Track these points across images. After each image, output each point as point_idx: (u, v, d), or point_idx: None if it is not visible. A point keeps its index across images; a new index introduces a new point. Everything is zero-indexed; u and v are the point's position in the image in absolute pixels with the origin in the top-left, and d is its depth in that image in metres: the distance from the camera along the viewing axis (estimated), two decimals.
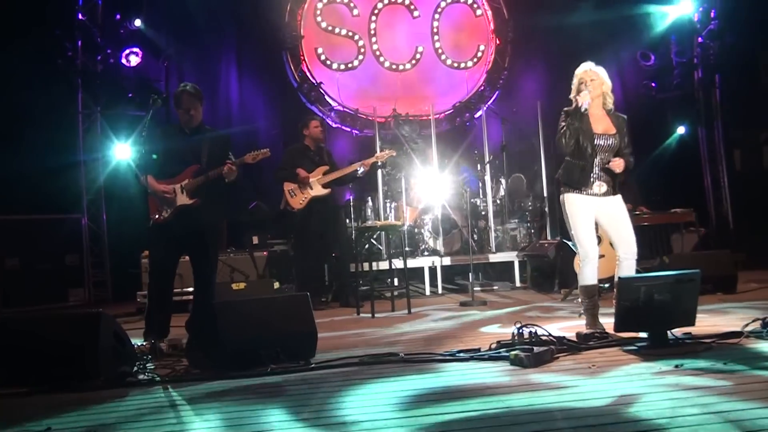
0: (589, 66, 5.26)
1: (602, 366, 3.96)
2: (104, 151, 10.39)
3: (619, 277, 4.50)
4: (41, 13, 9.57)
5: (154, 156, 5.64)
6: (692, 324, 4.50)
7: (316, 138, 8.36)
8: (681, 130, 11.95)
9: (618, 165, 5.09)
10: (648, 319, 4.35)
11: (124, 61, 10.10)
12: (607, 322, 4.86)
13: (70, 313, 5.76)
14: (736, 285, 7.28)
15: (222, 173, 5.59)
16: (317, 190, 8.13)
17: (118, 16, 10.12)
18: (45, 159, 9.40)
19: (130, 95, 10.19)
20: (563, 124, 5.17)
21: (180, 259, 5.89)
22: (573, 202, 5.19)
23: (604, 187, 5.16)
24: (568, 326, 5.52)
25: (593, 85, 5.15)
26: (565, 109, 5.25)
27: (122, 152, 9.92)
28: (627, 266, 5.14)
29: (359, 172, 8.19)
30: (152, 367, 4.71)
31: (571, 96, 5.26)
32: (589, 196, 5.16)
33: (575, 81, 5.26)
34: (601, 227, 5.35)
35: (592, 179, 5.14)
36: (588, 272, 5.15)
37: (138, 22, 10.10)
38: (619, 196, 5.25)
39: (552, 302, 7.52)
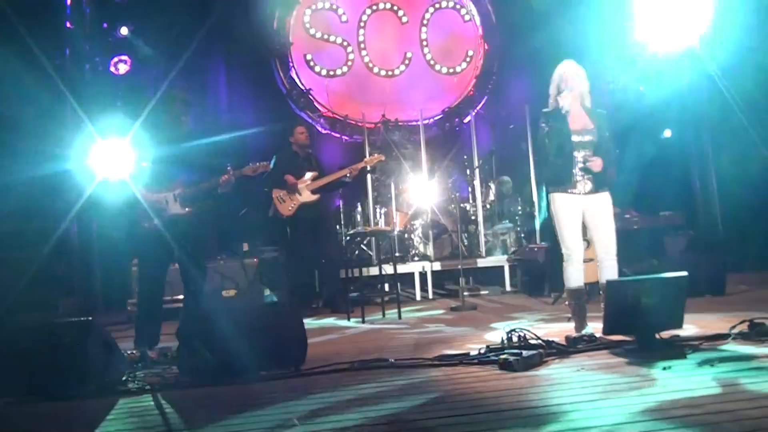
0: (571, 63, 5.34)
1: (591, 369, 3.98)
2: (93, 160, 10.35)
3: (608, 281, 4.53)
4: (28, 22, 9.54)
5: (144, 164, 5.64)
6: (680, 326, 4.52)
7: (302, 144, 8.37)
8: (667, 133, 12.01)
9: (596, 165, 5.13)
10: (636, 321, 4.37)
11: (112, 69, 10.07)
12: (596, 326, 4.89)
13: (60, 322, 5.74)
14: (724, 287, 7.31)
15: (218, 183, 5.61)
16: (306, 196, 8.13)
17: (105, 25, 10.09)
18: (33, 168, 9.36)
19: (119, 104, 10.17)
20: (544, 125, 5.22)
21: (169, 266, 5.89)
22: (559, 202, 5.23)
23: (588, 185, 5.19)
24: (557, 330, 5.54)
25: (576, 82, 5.22)
26: (544, 110, 5.32)
27: (111, 160, 9.86)
28: (607, 266, 5.18)
29: (348, 177, 8.19)
30: (142, 375, 4.70)
31: (551, 92, 5.32)
32: (574, 195, 5.19)
33: (555, 78, 5.32)
34: (585, 225, 5.34)
35: (575, 178, 5.18)
36: (572, 274, 5.20)
37: (124, 30, 10.06)
38: (605, 194, 5.27)
39: (542, 306, 7.54)
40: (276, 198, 8.13)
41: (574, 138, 5.17)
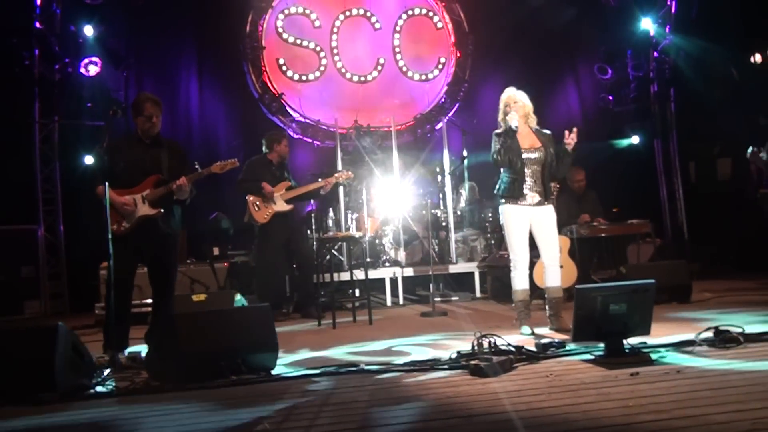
0: (512, 91, 5.99)
1: (560, 375, 4.02)
2: (61, 161, 10.25)
3: (576, 288, 4.59)
4: None
5: (121, 164, 5.59)
6: (647, 333, 4.59)
7: (283, 156, 8.36)
8: (635, 139, 12.17)
9: (571, 142, 5.87)
10: (604, 328, 4.42)
11: (82, 70, 9.94)
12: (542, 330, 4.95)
13: (27, 326, 5.68)
14: (690, 294, 7.41)
15: (172, 189, 5.59)
16: (280, 206, 8.10)
17: (72, 28, 9.98)
18: None
19: (89, 105, 10.04)
20: (498, 145, 5.87)
21: (137, 269, 5.86)
22: (509, 213, 5.89)
23: (536, 198, 5.86)
24: (527, 336, 5.61)
25: (516, 107, 5.87)
26: (496, 131, 5.97)
27: (80, 162, 9.76)
28: (551, 272, 5.94)
29: (321, 191, 8.23)
30: (111, 379, 4.65)
31: (499, 119, 5.99)
32: (523, 206, 5.83)
33: (501, 105, 5.98)
34: (532, 234, 5.93)
35: (525, 191, 5.83)
36: (518, 278, 5.90)
37: (89, 29, 9.94)
38: (550, 206, 5.94)
39: (511, 312, 7.58)
40: (251, 204, 8.08)
41: (524, 155, 5.83)
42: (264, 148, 8.38)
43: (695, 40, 10.97)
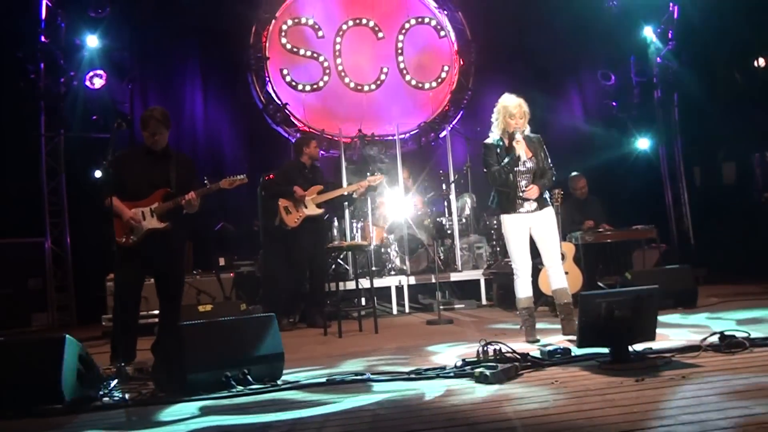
0: (514, 100, 5.88)
1: (564, 382, 4.03)
2: (67, 174, 10.30)
3: (581, 294, 4.59)
4: (2, 36, 9.49)
5: (129, 177, 5.63)
6: (652, 339, 4.60)
7: (314, 157, 8.43)
8: (640, 144, 12.15)
9: (531, 193, 5.79)
10: (609, 334, 4.43)
11: (88, 83, 9.98)
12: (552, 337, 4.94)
13: (35, 338, 5.70)
14: (696, 299, 7.41)
15: (181, 204, 5.61)
16: (311, 210, 8.12)
17: (77, 41, 10.02)
18: (6, 182, 9.32)
19: (94, 118, 10.07)
20: (490, 161, 5.88)
21: (145, 281, 5.89)
22: (508, 223, 5.89)
23: (533, 205, 5.85)
24: (532, 343, 5.61)
25: (521, 124, 5.84)
26: (487, 143, 5.98)
27: (86, 175, 9.79)
28: (554, 273, 5.93)
29: (354, 195, 8.37)
30: (118, 390, 4.66)
31: (494, 126, 5.98)
32: (521, 215, 5.83)
33: (502, 114, 5.88)
34: (534, 240, 5.91)
35: (519, 202, 5.82)
36: (521, 286, 5.86)
37: (94, 40, 9.97)
38: (549, 209, 5.93)
39: (517, 320, 7.58)
40: (282, 208, 8.10)
41: (516, 168, 5.80)
42: (294, 154, 8.45)
43: (698, 45, 10.99)
